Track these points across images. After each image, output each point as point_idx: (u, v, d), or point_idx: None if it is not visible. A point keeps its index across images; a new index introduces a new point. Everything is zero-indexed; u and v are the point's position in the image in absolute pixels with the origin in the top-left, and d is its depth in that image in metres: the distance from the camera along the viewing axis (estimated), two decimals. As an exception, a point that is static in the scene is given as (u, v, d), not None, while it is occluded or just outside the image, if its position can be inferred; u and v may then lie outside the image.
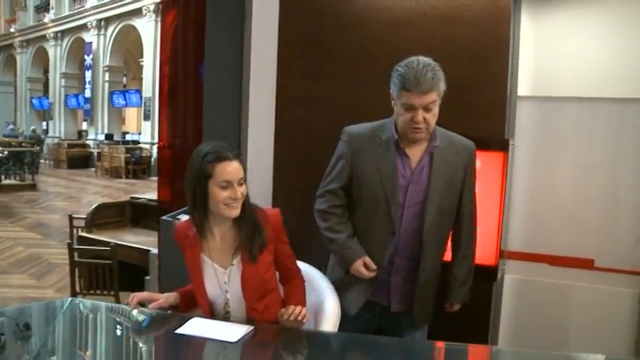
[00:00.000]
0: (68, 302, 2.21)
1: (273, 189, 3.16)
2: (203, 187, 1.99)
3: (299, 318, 2.02)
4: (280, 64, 3.11)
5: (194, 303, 2.20)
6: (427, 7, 2.81)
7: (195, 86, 3.87)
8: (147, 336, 2.05)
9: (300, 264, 2.32)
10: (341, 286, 2.32)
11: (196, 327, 1.98)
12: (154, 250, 4.12)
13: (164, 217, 3.27)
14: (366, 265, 2.20)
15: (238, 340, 1.89)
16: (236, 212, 2.02)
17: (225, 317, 2.13)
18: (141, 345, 1.99)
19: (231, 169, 1.98)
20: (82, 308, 2.25)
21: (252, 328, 2.00)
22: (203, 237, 2.09)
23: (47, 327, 2.03)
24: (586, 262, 2.90)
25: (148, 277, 4.07)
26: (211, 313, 2.14)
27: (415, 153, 2.19)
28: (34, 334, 1.86)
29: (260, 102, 3.19)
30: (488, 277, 2.73)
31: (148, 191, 11.05)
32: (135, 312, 2.11)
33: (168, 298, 2.18)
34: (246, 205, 2.06)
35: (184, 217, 3.23)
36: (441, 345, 2.19)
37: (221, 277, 2.10)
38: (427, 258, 2.23)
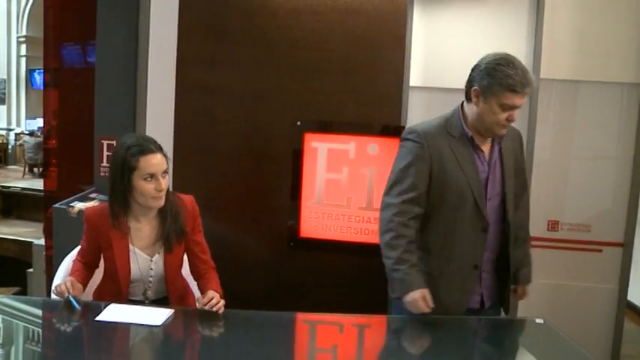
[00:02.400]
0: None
1: (173, 176, 3.12)
2: (127, 180, 2.03)
3: (214, 309, 2.05)
4: (180, 51, 3.06)
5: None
6: (328, -3, 2.93)
7: (84, 70, 3.72)
8: (68, 326, 1.97)
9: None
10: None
11: (117, 313, 1.95)
12: (37, 242, 3.91)
13: (57, 205, 3.13)
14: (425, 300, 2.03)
15: (162, 324, 1.90)
16: (161, 203, 2.09)
17: (144, 296, 2.21)
18: (66, 335, 1.92)
19: (155, 161, 2.04)
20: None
21: (172, 311, 2.01)
22: (129, 227, 2.13)
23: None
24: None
25: (30, 270, 3.85)
26: (129, 293, 2.18)
27: (486, 146, 2.16)
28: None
29: (159, 88, 3.13)
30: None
31: (7, 180, 10.23)
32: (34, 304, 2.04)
33: (80, 289, 2.12)
34: (169, 195, 2.14)
35: (78, 205, 3.12)
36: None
37: (147, 264, 2.17)
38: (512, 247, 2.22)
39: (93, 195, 3.26)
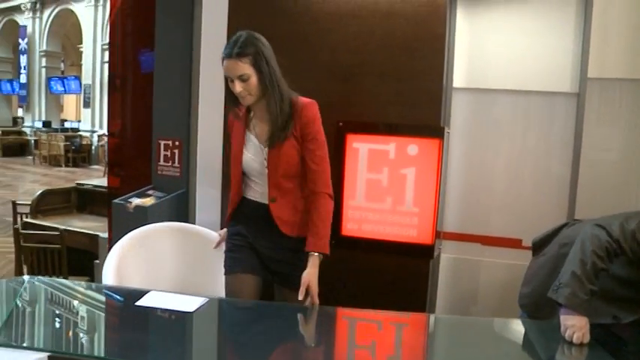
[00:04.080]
0: (26, 281, 2.28)
1: (222, 178, 3.28)
2: None
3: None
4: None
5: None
6: (369, 2, 2.99)
7: (140, 74, 3.94)
8: (110, 310, 2.15)
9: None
10: None
11: (155, 299, 2.10)
12: (103, 235, 4.18)
13: (116, 201, 3.36)
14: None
15: (195, 310, 2.04)
16: (245, 102, 2.27)
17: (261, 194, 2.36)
18: (108, 318, 2.11)
19: (226, 65, 2.20)
20: (42, 286, 2.32)
21: (206, 299, 2.13)
22: (249, 116, 2.37)
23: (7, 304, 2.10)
24: (514, 242, 3.16)
25: (97, 261, 4.13)
26: (242, 182, 2.39)
27: None
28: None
29: (211, 92, 3.29)
30: (425, 254, 2.96)
31: (88, 179, 10.88)
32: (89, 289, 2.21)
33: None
34: (267, 97, 2.25)
35: (136, 200, 3.33)
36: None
37: (261, 151, 2.32)
38: None
39: (150, 192, 3.47)
